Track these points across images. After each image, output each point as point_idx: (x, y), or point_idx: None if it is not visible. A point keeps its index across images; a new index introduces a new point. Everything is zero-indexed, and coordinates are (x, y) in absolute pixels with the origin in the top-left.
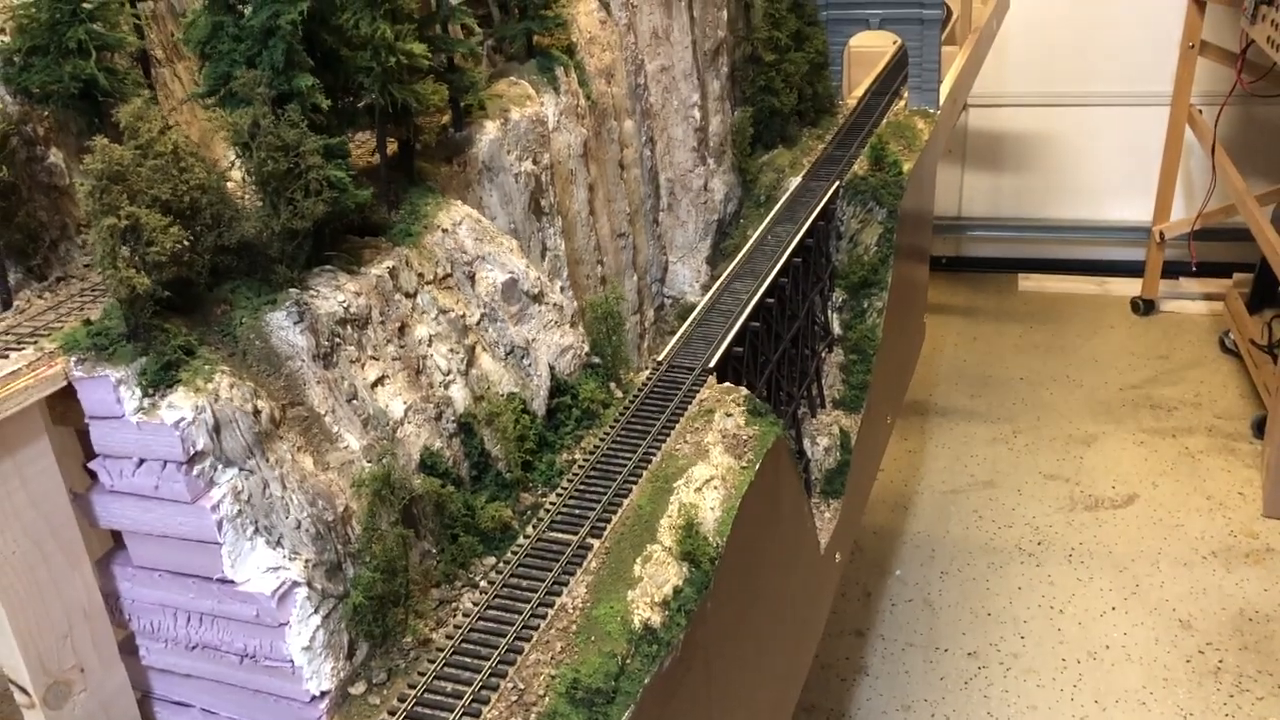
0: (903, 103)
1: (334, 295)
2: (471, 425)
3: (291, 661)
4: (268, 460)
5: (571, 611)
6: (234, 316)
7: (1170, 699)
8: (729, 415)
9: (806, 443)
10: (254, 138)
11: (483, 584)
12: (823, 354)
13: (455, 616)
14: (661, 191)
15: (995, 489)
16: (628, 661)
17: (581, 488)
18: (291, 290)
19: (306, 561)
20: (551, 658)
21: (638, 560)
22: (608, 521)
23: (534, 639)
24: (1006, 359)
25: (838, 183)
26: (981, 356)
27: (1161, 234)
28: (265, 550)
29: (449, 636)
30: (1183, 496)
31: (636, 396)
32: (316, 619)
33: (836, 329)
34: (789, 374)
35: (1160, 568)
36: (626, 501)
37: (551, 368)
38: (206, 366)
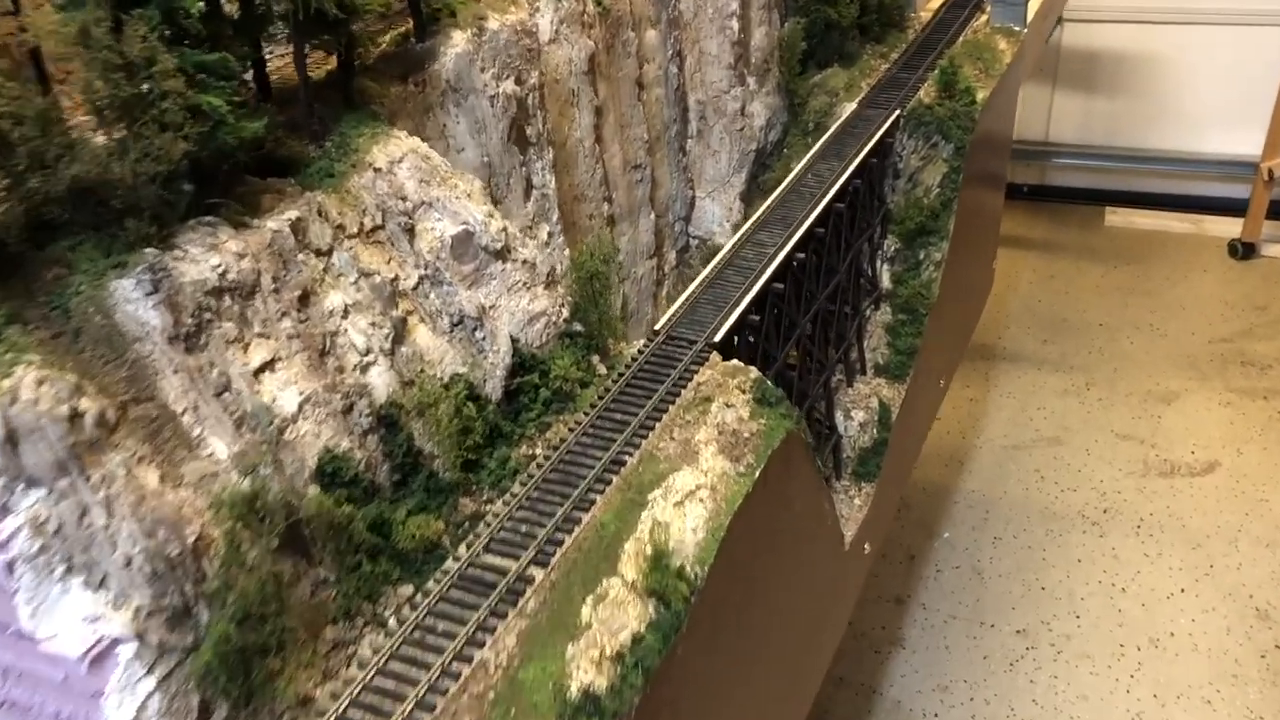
0: (984, 18)
1: (207, 257)
2: (395, 418)
3: None
4: (88, 479)
5: (493, 671)
6: (69, 284)
7: (1239, 698)
8: (729, 406)
9: (839, 416)
10: (89, 51)
11: (392, 622)
12: (867, 312)
13: (349, 667)
14: (690, 116)
15: (1061, 447)
16: None
17: (535, 495)
18: (147, 251)
19: (138, 609)
20: None
21: (589, 600)
22: (559, 544)
23: (438, 710)
24: (1085, 301)
25: (899, 111)
26: (1058, 297)
27: (1271, 171)
28: (82, 595)
29: (335, 696)
30: (1270, 467)
31: (621, 376)
32: (149, 682)
33: (886, 282)
34: (823, 337)
35: (1239, 547)
36: (587, 517)
37: (515, 340)
38: (7, 355)
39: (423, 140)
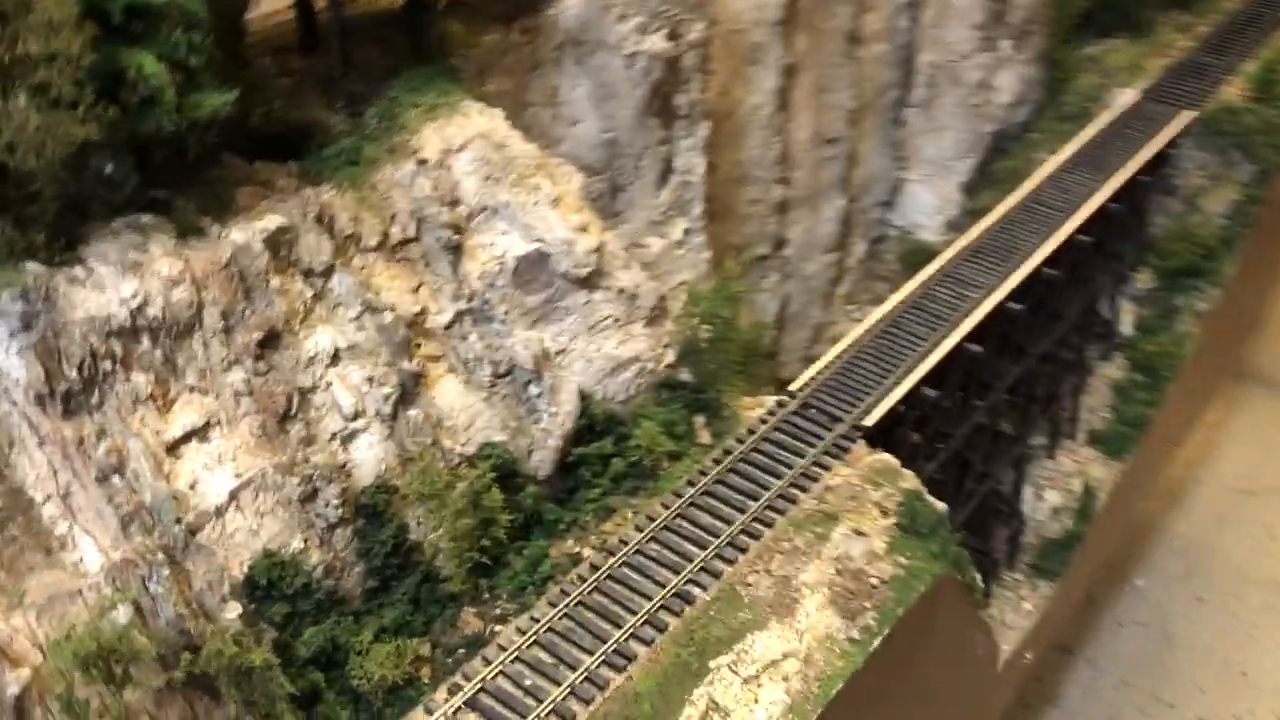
0: None
1: (117, 283)
2: (381, 507)
3: None
4: None
5: None
6: None
7: None
8: (860, 534)
9: (1028, 494)
10: None
11: None
12: (1093, 362)
13: None
14: (915, 81)
15: None
16: None
17: (559, 627)
18: (29, 267)
19: None
20: None
21: None
22: (569, 719)
23: None
24: None
25: (1193, 113)
26: None
27: None
28: None
29: None
30: None
31: (726, 456)
32: None
33: (1126, 328)
34: (1026, 396)
35: None
36: (619, 679)
37: (587, 396)
38: None
39: (522, 108)
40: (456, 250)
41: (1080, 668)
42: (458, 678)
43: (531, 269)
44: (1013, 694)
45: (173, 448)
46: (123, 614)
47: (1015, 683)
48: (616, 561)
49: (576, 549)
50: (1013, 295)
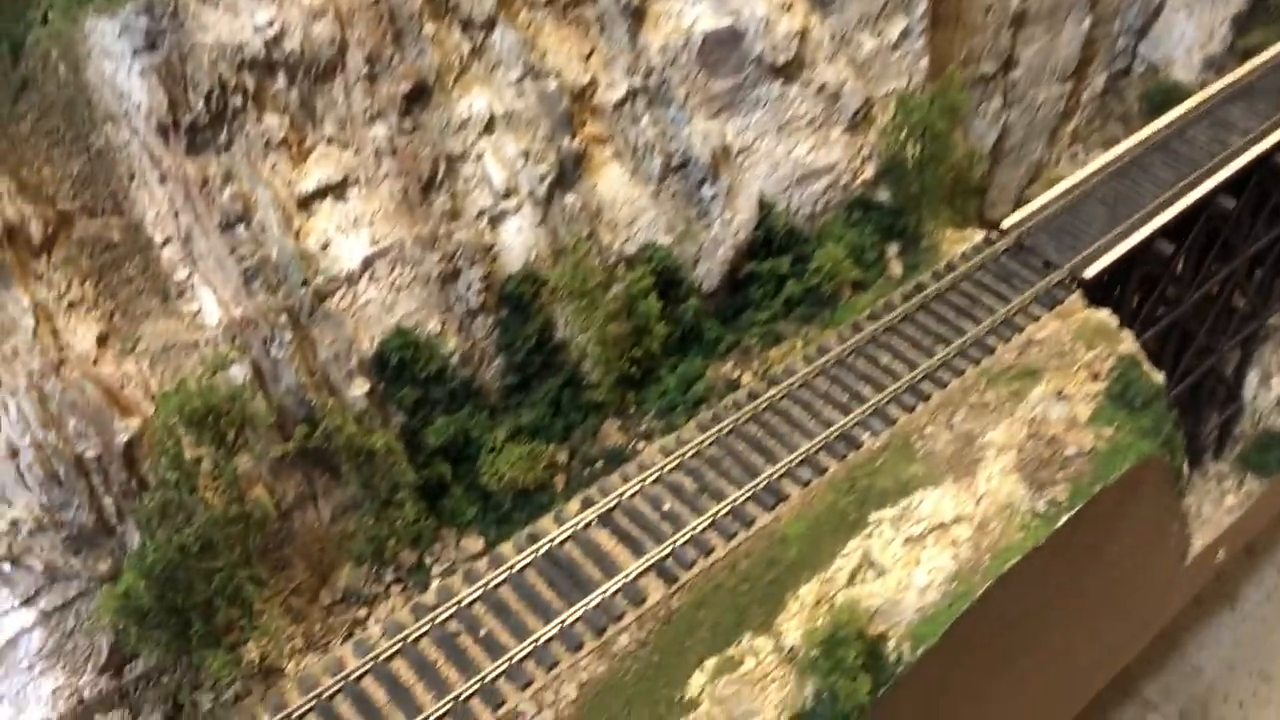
0: None
1: (253, 6)
2: (526, 299)
3: None
4: None
5: None
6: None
7: None
8: (1062, 397)
9: (1252, 378)
10: None
11: (430, 591)
12: None
13: (345, 641)
14: None
15: None
16: None
17: (706, 454)
18: None
19: (15, 522)
20: None
21: (708, 664)
22: (705, 551)
23: None
24: None
25: None
26: None
27: None
28: None
29: (304, 687)
30: None
31: (918, 292)
32: (23, 616)
33: None
34: (1276, 267)
35: None
36: (766, 518)
37: (767, 205)
38: None
39: None
40: (637, 16)
41: (1264, 571)
42: (593, 491)
43: (721, 48)
44: (1194, 590)
45: (305, 203)
46: (239, 374)
47: (1199, 580)
48: (779, 393)
49: (736, 374)
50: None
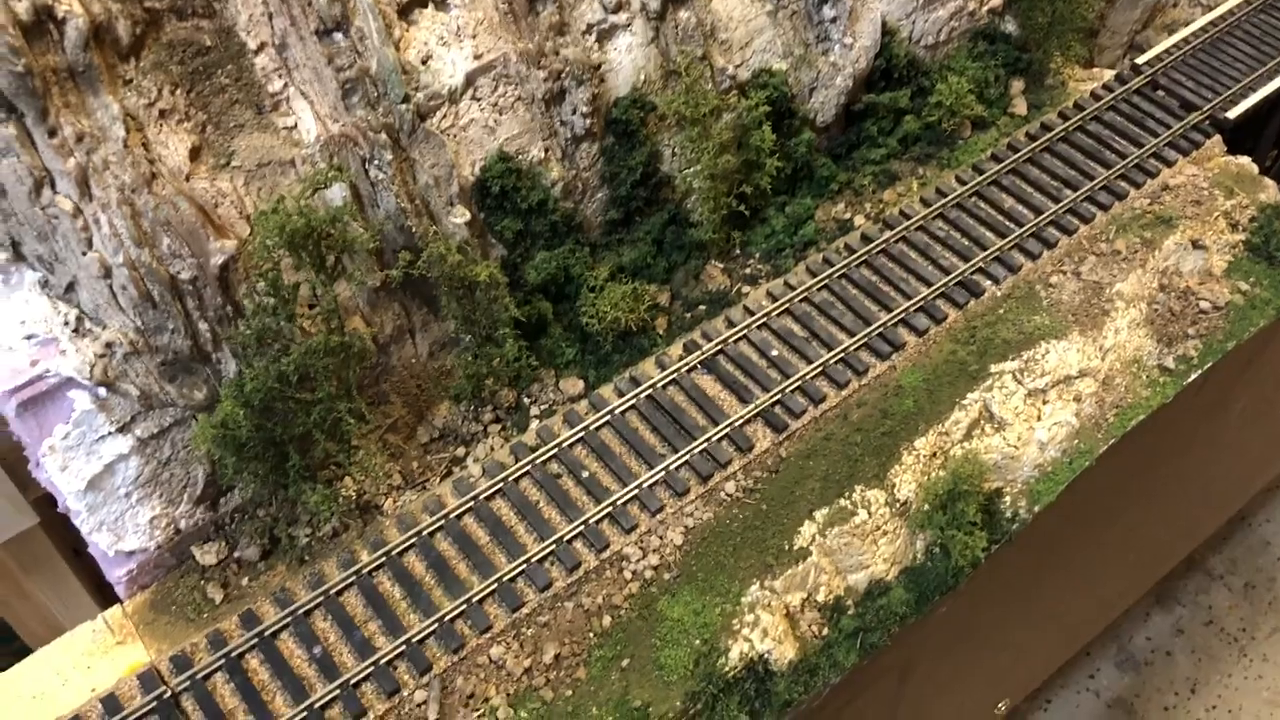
0: None
1: None
2: (635, 124)
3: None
4: (52, 130)
5: (624, 587)
6: None
7: None
8: (1198, 246)
9: None
10: None
11: (529, 434)
12: None
13: (442, 480)
14: None
15: None
16: None
17: (814, 300)
18: None
19: (110, 345)
20: None
21: (818, 514)
22: (814, 400)
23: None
24: None
25: None
26: None
27: None
28: (32, 298)
29: (401, 524)
30: None
31: (1045, 132)
32: (120, 443)
33: None
34: None
35: None
36: (880, 367)
37: (888, 31)
38: None
39: None
40: None
41: None
42: (696, 335)
43: None
44: None
45: (405, 10)
46: (338, 194)
47: None
48: (894, 236)
49: (847, 215)
50: None
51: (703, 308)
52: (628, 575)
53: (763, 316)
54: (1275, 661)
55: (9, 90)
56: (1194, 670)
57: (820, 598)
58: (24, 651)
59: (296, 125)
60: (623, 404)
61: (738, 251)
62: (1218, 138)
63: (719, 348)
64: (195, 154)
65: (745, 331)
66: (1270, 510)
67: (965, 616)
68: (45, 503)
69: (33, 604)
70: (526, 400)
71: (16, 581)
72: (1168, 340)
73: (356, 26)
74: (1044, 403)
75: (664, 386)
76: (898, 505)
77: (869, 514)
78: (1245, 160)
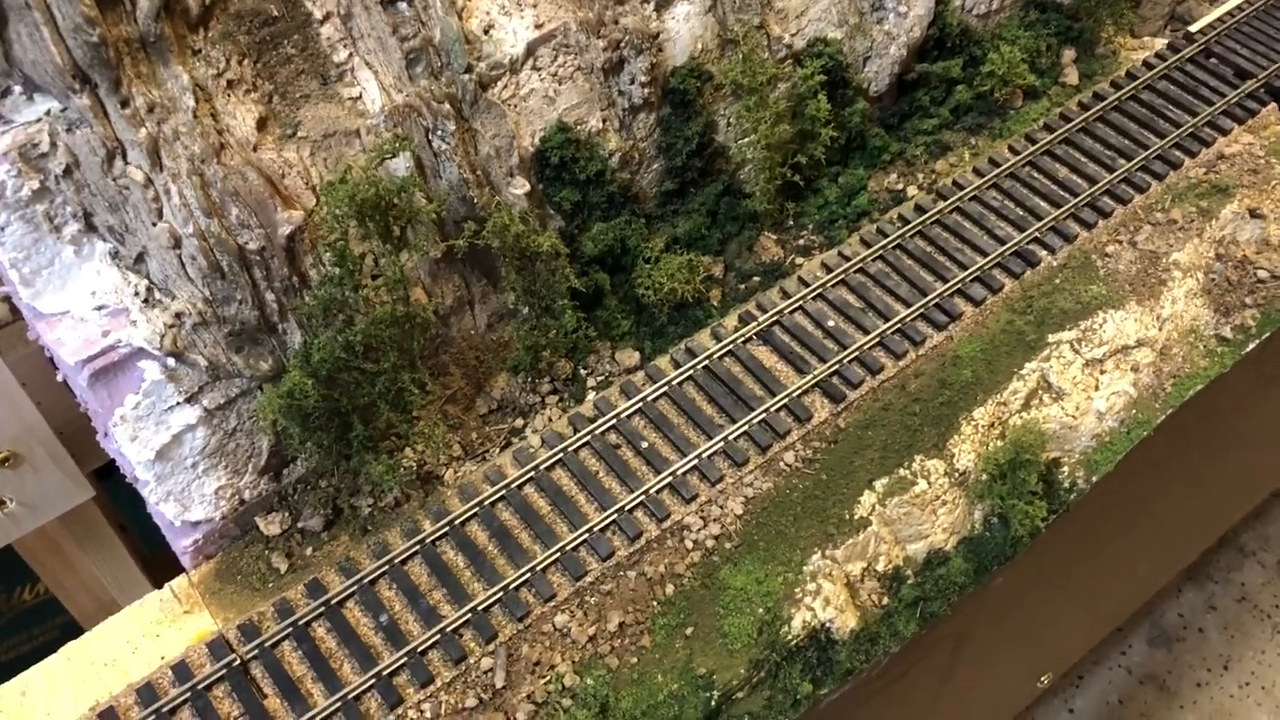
0: None
1: None
2: (691, 94)
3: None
4: (125, 100)
5: (683, 565)
6: None
7: None
8: (1255, 215)
9: None
10: None
11: (589, 403)
12: None
13: (501, 451)
14: None
15: None
16: None
17: (871, 271)
18: None
19: (179, 315)
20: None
21: (878, 484)
22: (872, 370)
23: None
24: None
25: None
26: None
27: None
28: (102, 269)
29: (464, 496)
30: None
31: (1098, 101)
32: (188, 413)
33: None
34: None
35: None
36: (938, 337)
37: (941, 0)
38: None
39: None
40: None
41: None
42: (751, 307)
43: None
44: None
45: None
46: (403, 165)
47: None
48: (949, 206)
49: (900, 186)
50: None
51: (757, 279)
52: (689, 544)
53: (818, 288)
54: None
55: (84, 61)
56: (1226, 647)
57: (880, 567)
58: (70, 626)
59: (361, 95)
60: (679, 375)
61: (791, 223)
62: (1274, 105)
63: (774, 319)
64: (262, 124)
65: (801, 303)
66: None
67: (1019, 588)
68: (96, 477)
69: (82, 579)
70: (583, 372)
71: (67, 557)
72: (1225, 310)
73: None
74: (1101, 372)
75: (720, 358)
76: (957, 475)
77: (928, 484)
78: None
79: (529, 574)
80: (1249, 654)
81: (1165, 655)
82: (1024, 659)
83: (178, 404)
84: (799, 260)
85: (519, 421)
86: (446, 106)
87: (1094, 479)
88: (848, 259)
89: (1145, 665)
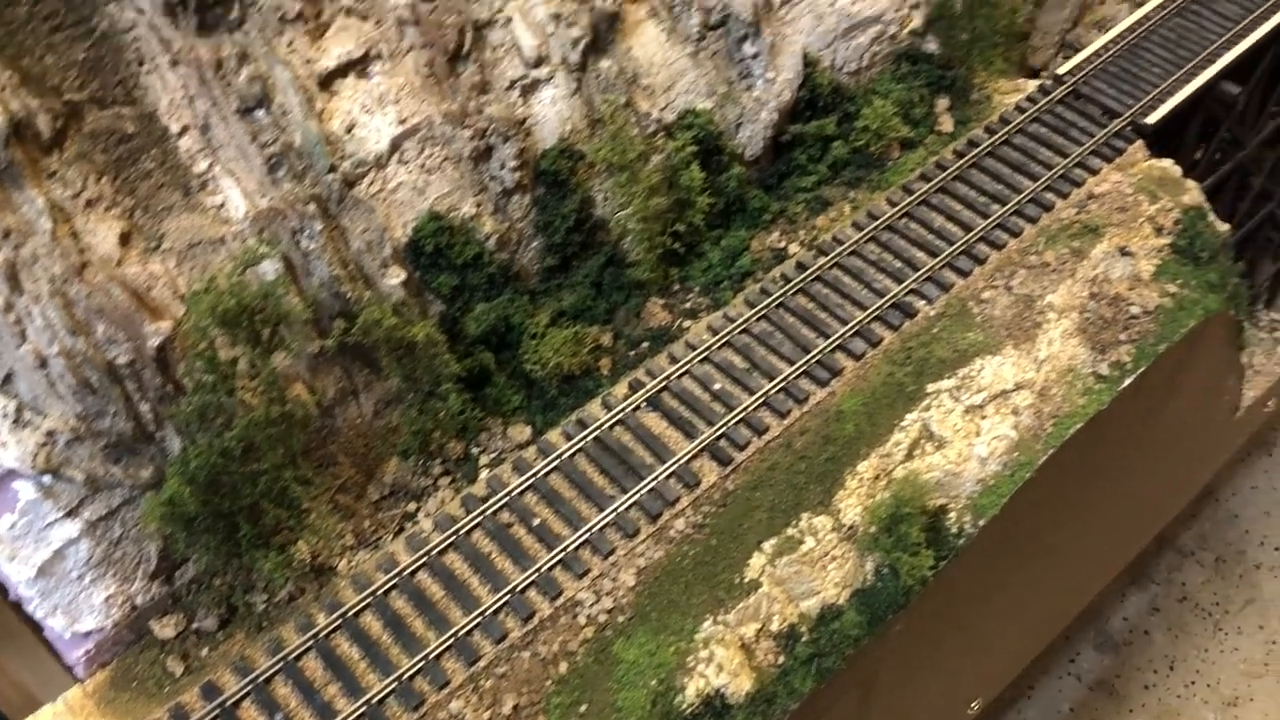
0: None
1: None
2: (564, 174)
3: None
4: None
5: (578, 633)
6: None
7: None
8: (1125, 254)
9: None
10: None
11: (481, 481)
12: None
13: (395, 537)
14: None
15: None
16: None
17: (754, 331)
18: None
19: (52, 433)
20: None
21: (767, 545)
22: (757, 432)
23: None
24: None
25: None
26: None
27: None
28: None
29: (358, 585)
30: None
31: (971, 148)
32: (69, 527)
33: None
34: None
35: None
36: (820, 394)
37: (809, 62)
38: None
39: None
40: None
41: None
42: (640, 373)
43: None
44: (1241, 442)
45: (326, 82)
46: (270, 269)
47: (1247, 431)
48: (828, 262)
49: (782, 244)
50: None
51: (646, 345)
52: (582, 620)
53: (704, 351)
54: (1249, 633)
55: None
56: (1172, 647)
57: (774, 627)
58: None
59: (225, 203)
60: (570, 448)
61: (677, 287)
62: (1140, 143)
63: (663, 385)
64: (125, 239)
65: (688, 367)
66: (1236, 484)
67: (920, 632)
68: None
69: (7, 677)
70: (475, 450)
71: None
72: (1101, 347)
73: (278, 103)
74: (982, 418)
75: (610, 428)
76: (844, 530)
77: (817, 541)
78: (1168, 163)
79: (422, 662)
80: (1193, 653)
81: (1113, 660)
82: (945, 692)
83: (57, 519)
84: (686, 323)
85: (412, 505)
86: (312, 207)
87: (981, 522)
88: (732, 320)
89: (1094, 671)
